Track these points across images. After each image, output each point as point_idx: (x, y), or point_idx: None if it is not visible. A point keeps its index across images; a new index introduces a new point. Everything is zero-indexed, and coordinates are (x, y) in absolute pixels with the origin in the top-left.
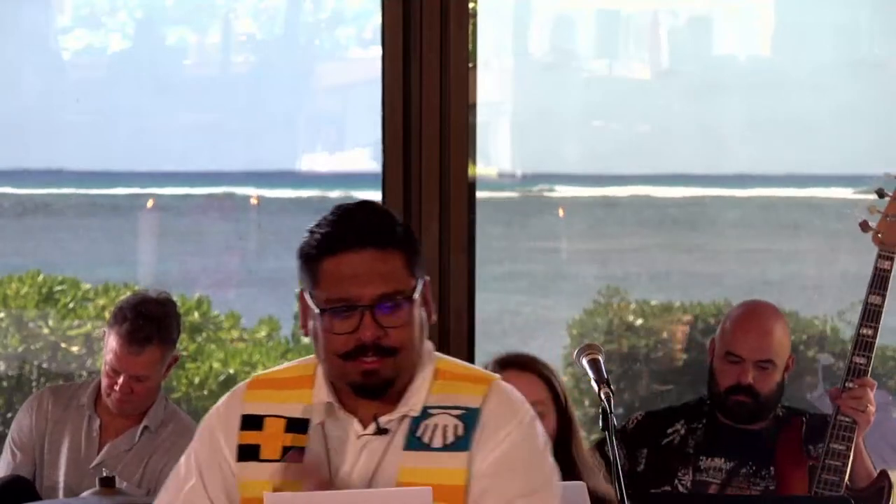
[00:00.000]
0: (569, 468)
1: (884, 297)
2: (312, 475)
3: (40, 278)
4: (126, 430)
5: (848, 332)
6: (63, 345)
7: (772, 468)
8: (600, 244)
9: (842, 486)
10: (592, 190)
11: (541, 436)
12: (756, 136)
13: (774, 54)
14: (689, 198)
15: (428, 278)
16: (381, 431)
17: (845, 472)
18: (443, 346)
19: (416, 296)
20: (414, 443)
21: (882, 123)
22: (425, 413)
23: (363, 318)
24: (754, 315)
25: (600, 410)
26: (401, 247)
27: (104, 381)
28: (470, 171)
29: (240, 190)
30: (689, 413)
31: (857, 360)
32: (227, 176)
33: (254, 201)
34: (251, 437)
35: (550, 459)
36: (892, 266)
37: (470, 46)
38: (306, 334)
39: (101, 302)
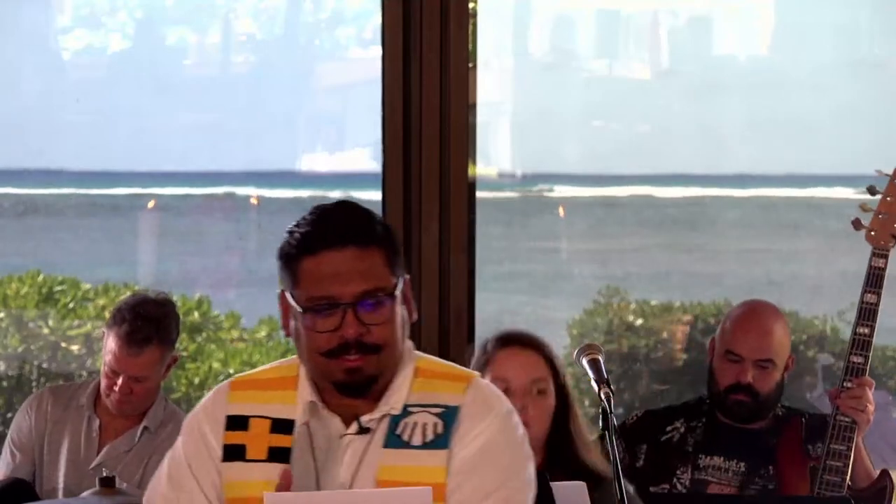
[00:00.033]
0: (566, 443)
1: (879, 295)
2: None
3: (40, 278)
4: (126, 431)
5: (848, 332)
6: (63, 345)
7: (770, 468)
8: (600, 244)
9: (843, 486)
10: (592, 190)
11: (518, 428)
12: (756, 136)
13: (774, 54)
14: (689, 198)
15: (408, 276)
16: (362, 430)
17: (846, 472)
18: (443, 346)
19: (397, 293)
20: (394, 441)
21: (882, 123)
22: (405, 411)
23: (345, 316)
24: (755, 314)
25: (600, 410)
26: (381, 245)
27: (103, 382)
28: (470, 171)
29: (240, 190)
30: (688, 412)
31: (855, 359)
32: (227, 176)
33: (254, 201)
34: (237, 438)
35: (527, 450)
36: (886, 264)
37: (470, 46)
38: (288, 335)
39: (101, 302)
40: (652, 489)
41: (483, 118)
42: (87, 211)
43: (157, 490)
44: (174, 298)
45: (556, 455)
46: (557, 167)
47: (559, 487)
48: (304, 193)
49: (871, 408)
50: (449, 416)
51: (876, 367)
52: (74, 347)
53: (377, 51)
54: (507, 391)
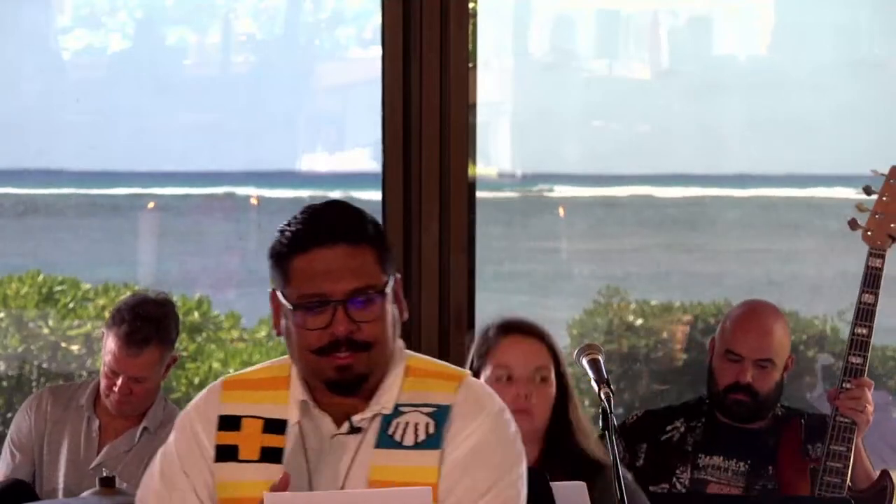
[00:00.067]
0: (566, 432)
1: (876, 295)
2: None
3: (40, 278)
4: (125, 431)
5: (848, 332)
6: (63, 345)
7: (770, 467)
8: (600, 244)
9: (843, 487)
10: (592, 190)
11: (510, 426)
12: (756, 136)
13: (774, 54)
14: (689, 198)
15: (399, 276)
16: (354, 430)
17: (846, 473)
18: (443, 346)
19: (388, 290)
20: (385, 441)
21: (882, 123)
22: (397, 411)
23: (336, 313)
24: (755, 314)
25: (600, 410)
26: (372, 243)
27: (103, 382)
28: (470, 171)
29: (240, 190)
30: (688, 412)
31: (854, 360)
32: (227, 176)
33: (254, 201)
34: (229, 438)
35: (519, 448)
36: (883, 264)
37: (470, 46)
38: (279, 334)
39: (101, 302)
40: (651, 489)
41: (483, 118)
42: (87, 211)
43: (150, 487)
44: (174, 298)
45: (556, 443)
46: (557, 167)
47: (559, 487)
48: (304, 193)
49: (870, 408)
50: (440, 415)
51: (876, 367)
52: (74, 347)
53: (377, 51)
54: (509, 379)
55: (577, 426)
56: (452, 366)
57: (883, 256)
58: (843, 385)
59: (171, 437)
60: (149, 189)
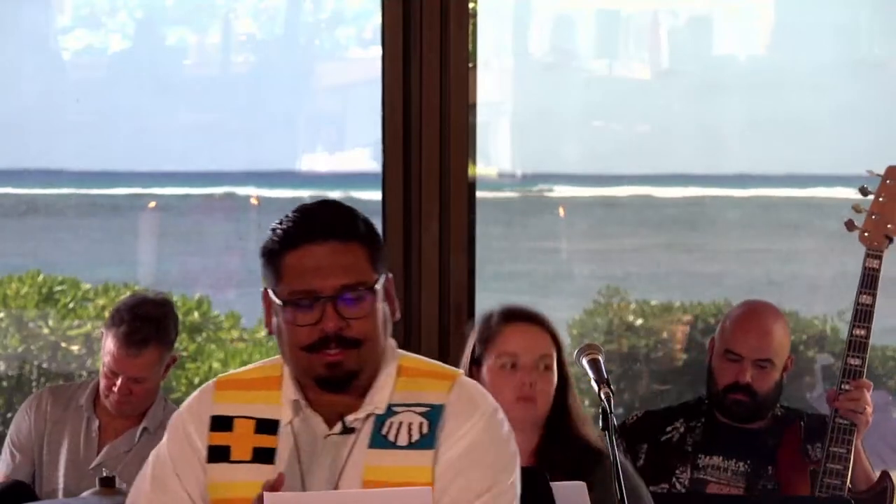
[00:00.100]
0: (565, 419)
1: (874, 296)
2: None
3: (40, 278)
4: (125, 431)
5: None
6: (63, 345)
7: (770, 468)
8: (600, 244)
9: (844, 489)
10: (592, 190)
11: (503, 426)
12: (756, 136)
13: (774, 54)
14: (689, 198)
15: (391, 276)
16: (347, 430)
17: (846, 475)
18: (442, 346)
19: (378, 288)
20: (379, 441)
21: (882, 123)
22: (390, 411)
23: (325, 310)
24: (755, 314)
25: (600, 410)
26: (363, 240)
27: (102, 383)
28: (470, 171)
29: (240, 190)
30: (687, 412)
31: (852, 361)
32: (227, 176)
33: (254, 201)
34: (221, 438)
35: (513, 448)
36: (880, 265)
37: (470, 46)
38: (270, 333)
39: (101, 302)
40: (651, 489)
41: (483, 118)
42: (87, 211)
43: (141, 490)
44: (174, 298)
45: (556, 430)
46: (557, 167)
47: (559, 487)
48: (304, 193)
49: (869, 410)
50: (434, 415)
51: (876, 368)
52: (74, 347)
53: (377, 51)
54: (514, 367)
55: (575, 413)
56: (445, 365)
57: (880, 257)
58: (842, 387)
59: (164, 439)
60: (149, 189)
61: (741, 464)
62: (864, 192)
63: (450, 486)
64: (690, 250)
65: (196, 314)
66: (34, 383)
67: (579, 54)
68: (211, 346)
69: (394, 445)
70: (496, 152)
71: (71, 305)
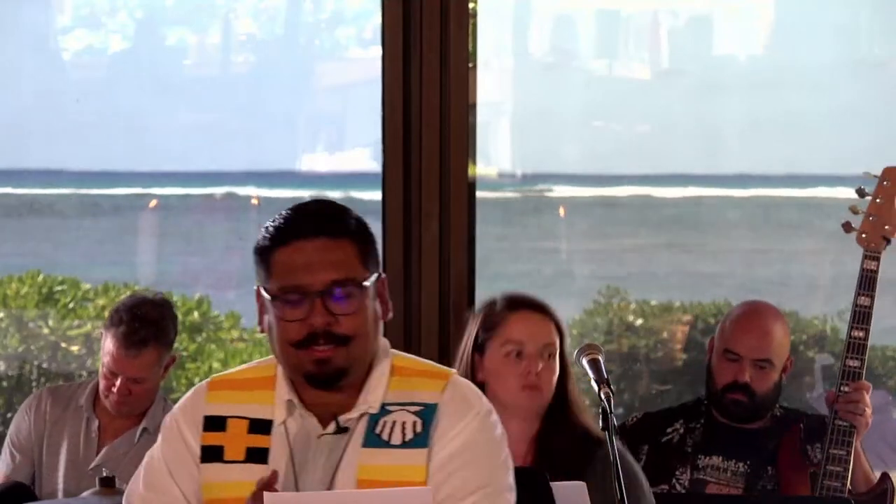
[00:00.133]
0: (565, 407)
1: (872, 297)
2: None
3: (40, 278)
4: (125, 432)
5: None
6: (63, 345)
7: (769, 468)
8: (600, 244)
9: (844, 491)
10: (592, 190)
11: (496, 427)
12: (756, 136)
13: (774, 54)
14: (689, 198)
15: (384, 275)
16: (340, 430)
17: (847, 476)
18: (442, 346)
19: (368, 285)
20: (373, 440)
21: (882, 123)
22: (384, 410)
23: (314, 305)
24: (755, 314)
25: (600, 410)
26: (353, 237)
27: (102, 383)
28: (470, 171)
29: (240, 190)
30: (687, 413)
31: (851, 362)
32: (227, 176)
33: (254, 201)
34: (214, 438)
35: (506, 450)
36: (878, 266)
37: (470, 46)
38: (262, 331)
39: (101, 302)
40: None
41: (483, 118)
42: (87, 211)
43: (136, 491)
44: (174, 298)
45: (555, 418)
46: (557, 167)
47: (559, 487)
48: (304, 193)
49: (868, 411)
50: (427, 414)
51: (876, 368)
52: (74, 347)
53: (377, 51)
54: (519, 355)
55: (575, 402)
56: (438, 365)
57: (878, 259)
58: (841, 388)
59: (158, 440)
60: (149, 189)
61: (741, 464)
62: (861, 193)
63: (443, 485)
64: (690, 250)
65: (196, 314)
66: (34, 383)
67: (579, 54)
68: (211, 346)
69: (387, 444)
70: (496, 152)
71: (71, 305)
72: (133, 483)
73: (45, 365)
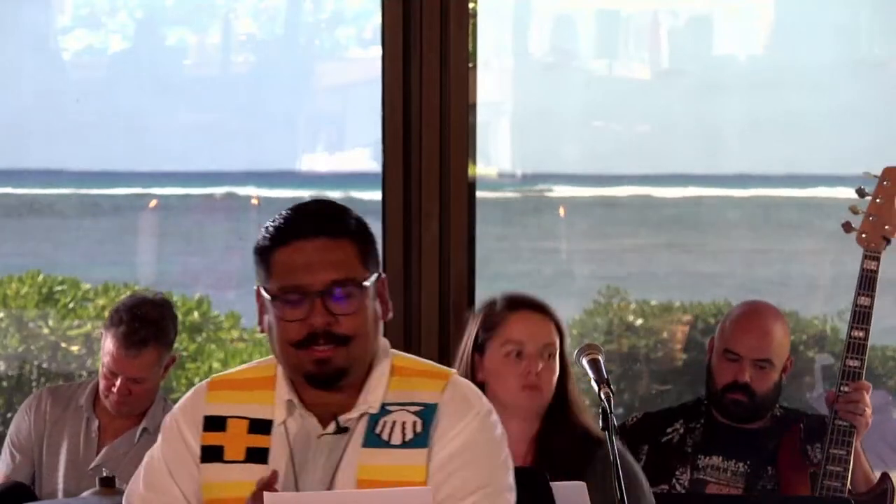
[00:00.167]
0: (565, 407)
1: (872, 298)
2: (272, 488)
3: (40, 278)
4: (125, 432)
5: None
6: (63, 345)
7: (769, 468)
8: (600, 244)
9: (844, 491)
10: (592, 190)
11: (496, 427)
12: (756, 136)
13: (774, 54)
14: (689, 198)
15: (384, 276)
16: (340, 430)
17: (847, 477)
18: (442, 346)
19: (368, 285)
20: (373, 440)
21: (882, 123)
22: (384, 410)
23: (314, 305)
24: (755, 314)
25: (600, 410)
26: (353, 237)
27: (102, 383)
28: (470, 171)
29: (240, 190)
30: (686, 413)
31: (851, 363)
32: (227, 176)
33: (254, 201)
34: (214, 438)
35: (507, 450)
36: (878, 266)
37: (470, 46)
38: (262, 331)
39: (101, 302)
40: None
41: (483, 118)
42: (87, 211)
43: (136, 491)
44: (174, 298)
45: (555, 418)
46: (557, 167)
47: (559, 487)
48: (305, 193)
49: (868, 412)
50: (427, 414)
51: (876, 367)
52: (74, 347)
53: (377, 51)
54: (519, 354)
55: (574, 401)
56: (438, 365)
57: (878, 259)
58: (841, 389)
59: (158, 440)
60: (149, 189)
61: (741, 464)
62: (860, 193)
63: (443, 485)
64: (690, 250)
65: (196, 314)
66: (34, 383)
67: (579, 54)
68: (211, 346)
69: (387, 444)
70: (496, 152)
71: (71, 305)
72: (133, 483)
73: (45, 365)
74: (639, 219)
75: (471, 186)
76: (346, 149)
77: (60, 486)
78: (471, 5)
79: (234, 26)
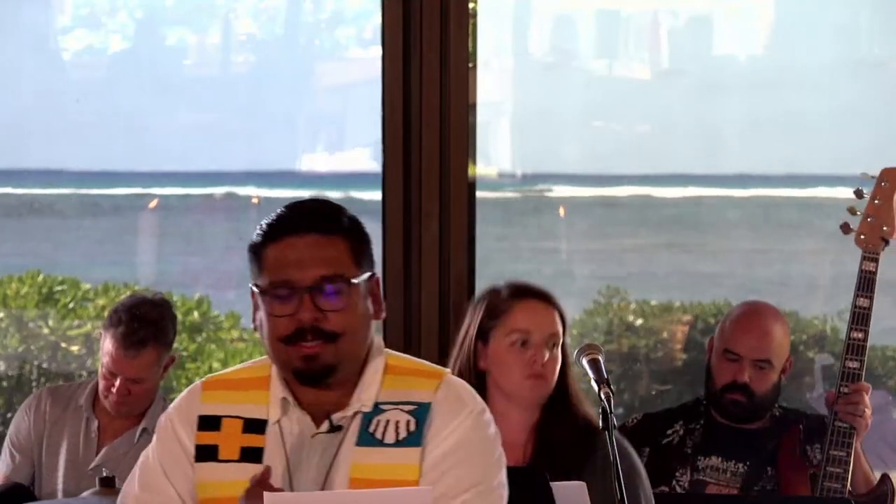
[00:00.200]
0: (565, 397)
1: (871, 299)
2: (268, 487)
3: (40, 278)
4: (125, 432)
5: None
6: (63, 345)
7: (769, 468)
8: (600, 244)
9: (844, 492)
10: (592, 190)
11: (490, 426)
12: (756, 136)
13: (774, 54)
14: (689, 198)
15: (378, 276)
16: (334, 429)
17: (847, 478)
18: (442, 347)
19: (358, 282)
20: (366, 439)
21: (882, 123)
22: (377, 409)
23: (303, 300)
24: (755, 315)
25: (600, 410)
26: (345, 235)
27: (101, 383)
28: (470, 171)
29: (240, 190)
30: (686, 414)
31: (850, 364)
32: (227, 176)
33: (254, 201)
34: (209, 438)
35: (500, 449)
36: (877, 267)
37: (470, 46)
38: (255, 329)
39: (101, 302)
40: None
41: (483, 118)
42: (87, 211)
43: (130, 492)
44: (174, 298)
45: (555, 408)
46: (557, 167)
47: (559, 487)
48: (305, 193)
49: (868, 412)
50: (421, 413)
51: (876, 368)
52: (74, 347)
53: (377, 51)
54: (524, 344)
55: (574, 392)
56: (432, 364)
57: (876, 260)
58: (841, 390)
59: (153, 440)
60: (149, 189)
61: (740, 465)
62: (858, 194)
63: (437, 484)
64: (690, 250)
65: (196, 314)
66: (34, 383)
67: (579, 54)
68: (211, 346)
69: (381, 443)
70: (496, 152)
71: (71, 305)
72: (128, 484)
73: (45, 365)
74: (639, 219)
75: (471, 186)
76: (346, 149)
77: (60, 486)
78: (471, 5)
79: (234, 26)
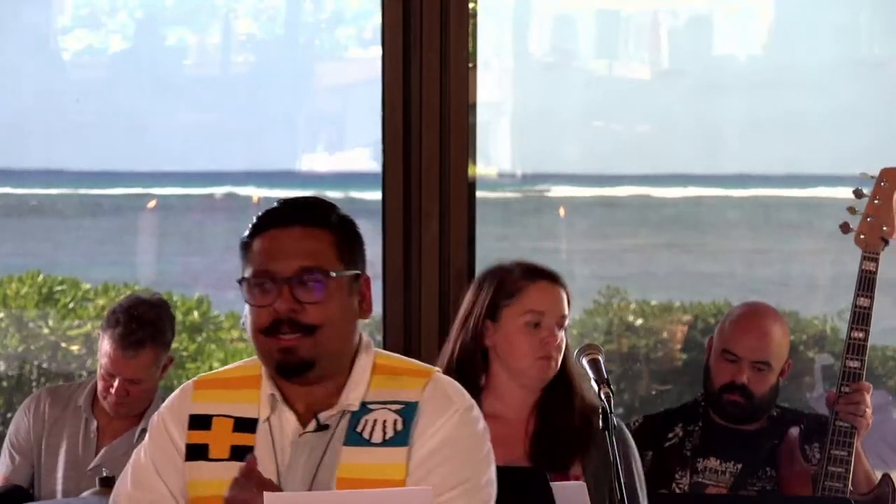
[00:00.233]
0: (566, 378)
1: (871, 298)
2: (255, 477)
3: (40, 278)
4: (124, 432)
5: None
6: (63, 345)
7: (767, 469)
8: (600, 244)
9: (845, 492)
10: (592, 190)
11: (478, 422)
12: (756, 136)
13: (774, 54)
14: (689, 198)
15: (369, 277)
16: (321, 427)
17: (848, 478)
18: (442, 347)
19: (340, 276)
20: (354, 438)
21: (882, 123)
22: (365, 408)
23: (281, 291)
24: (755, 316)
25: (600, 410)
26: (331, 229)
27: (100, 384)
28: (470, 171)
29: (240, 190)
30: (685, 415)
31: (851, 364)
32: (227, 176)
33: (255, 201)
34: (199, 437)
35: (488, 446)
36: (877, 267)
37: (470, 46)
38: (243, 324)
39: (101, 302)
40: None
41: (483, 118)
42: (87, 211)
43: (123, 490)
44: (174, 298)
45: (557, 390)
46: (557, 167)
47: (559, 487)
48: (305, 193)
49: (869, 412)
50: (408, 412)
51: (876, 368)
52: (74, 347)
53: (377, 51)
54: (537, 325)
55: (573, 374)
56: (421, 363)
57: (876, 260)
58: (842, 390)
59: (146, 439)
60: (149, 189)
61: (738, 466)
62: (858, 194)
63: (423, 482)
64: (690, 250)
65: (196, 314)
66: (34, 383)
67: (579, 54)
68: (211, 346)
69: (368, 443)
70: (496, 152)
71: (71, 305)
72: (121, 482)
73: (45, 365)
74: (639, 219)
75: (471, 186)
76: (346, 149)
77: (59, 486)
78: (471, 5)
79: (234, 26)
